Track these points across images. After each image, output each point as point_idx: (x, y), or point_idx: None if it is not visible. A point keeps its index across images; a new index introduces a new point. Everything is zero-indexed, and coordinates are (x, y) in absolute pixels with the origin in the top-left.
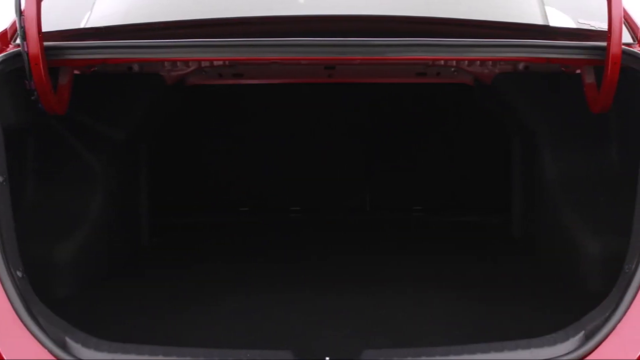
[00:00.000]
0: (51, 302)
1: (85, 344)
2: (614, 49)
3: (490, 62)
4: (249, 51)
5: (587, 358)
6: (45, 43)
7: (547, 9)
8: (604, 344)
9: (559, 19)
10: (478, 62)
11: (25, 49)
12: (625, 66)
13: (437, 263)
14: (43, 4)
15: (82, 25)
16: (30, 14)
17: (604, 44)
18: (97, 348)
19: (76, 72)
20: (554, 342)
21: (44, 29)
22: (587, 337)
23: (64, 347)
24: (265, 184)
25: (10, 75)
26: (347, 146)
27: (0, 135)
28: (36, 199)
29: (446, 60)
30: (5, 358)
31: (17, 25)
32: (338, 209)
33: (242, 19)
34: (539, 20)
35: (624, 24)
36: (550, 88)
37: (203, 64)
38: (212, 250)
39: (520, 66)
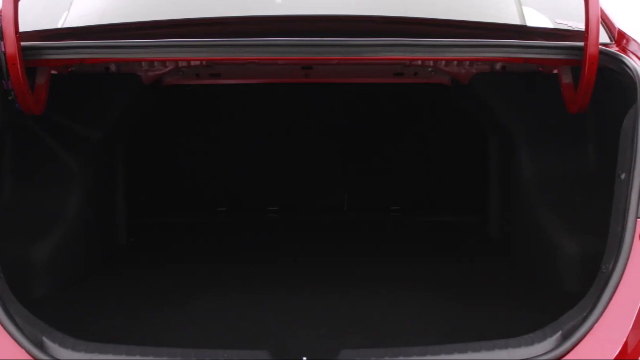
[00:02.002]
0: (28, 302)
1: (63, 344)
2: (591, 49)
3: (467, 62)
4: (226, 51)
5: (565, 358)
6: (23, 43)
7: (525, 9)
8: (581, 343)
9: (536, 19)
10: (455, 62)
11: (3, 49)
12: (602, 66)
13: (414, 263)
14: (20, 4)
15: (59, 26)
16: (8, 14)
17: (581, 44)
18: (74, 348)
19: (53, 72)
20: (531, 342)
21: (21, 29)
22: (565, 337)
23: (41, 347)
24: (242, 184)
25: None
26: (325, 146)
27: None
28: (13, 199)
29: (423, 61)
30: None
31: None
32: (315, 209)
33: (219, 19)
34: (516, 20)
35: (601, 23)
36: (528, 88)
37: (180, 64)
38: (189, 251)
39: (498, 66)
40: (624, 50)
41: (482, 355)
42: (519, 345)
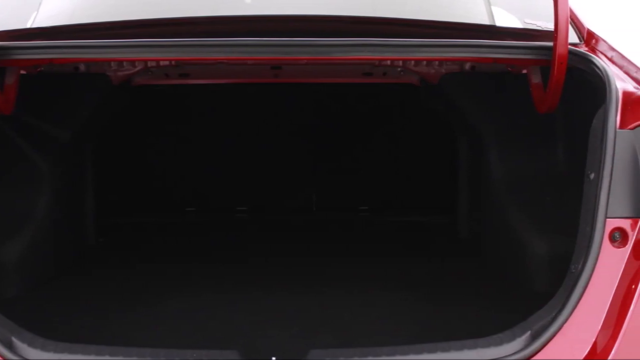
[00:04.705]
0: None
1: (32, 344)
2: (560, 49)
3: (436, 62)
4: (195, 51)
5: (534, 358)
6: None
7: (494, 8)
8: (550, 343)
9: (505, 19)
10: (424, 62)
11: None
12: (571, 66)
13: (384, 263)
14: None
15: (28, 25)
16: None
17: (550, 44)
18: (44, 348)
19: (22, 72)
20: (500, 342)
21: None
22: (534, 337)
23: (10, 347)
24: (211, 184)
25: None
26: (294, 146)
27: None
28: None
29: (392, 61)
30: None
31: None
32: (284, 209)
33: (188, 19)
34: (485, 20)
35: (570, 23)
36: (497, 88)
37: (149, 64)
38: (159, 251)
39: (467, 66)
40: (593, 50)
41: (451, 355)
42: (488, 345)
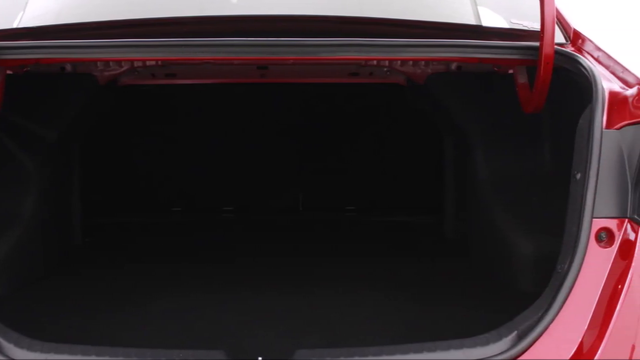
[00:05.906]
0: None
1: (18, 344)
2: (547, 49)
3: (422, 62)
4: (181, 51)
5: (520, 358)
6: None
7: (480, 8)
8: (536, 343)
9: (491, 19)
10: (411, 62)
11: None
12: (557, 66)
13: (371, 263)
14: None
15: (14, 25)
16: None
17: (536, 44)
18: (30, 348)
19: (9, 72)
20: (486, 342)
21: None
22: (520, 337)
23: None
24: (197, 184)
25: None
26: (280, 146)
27: None
28: None
29: (379, 61)
30: None
31: None
32: (270, 209)
33: (174, 19)
34: (471, 20)
35: (557, 24)
36: (483, 88)
37: (136, 64)
38: (145, 251)
39: (453, 66)
40: (580, 50)
41: (437, 355)
42: (474, 345)
